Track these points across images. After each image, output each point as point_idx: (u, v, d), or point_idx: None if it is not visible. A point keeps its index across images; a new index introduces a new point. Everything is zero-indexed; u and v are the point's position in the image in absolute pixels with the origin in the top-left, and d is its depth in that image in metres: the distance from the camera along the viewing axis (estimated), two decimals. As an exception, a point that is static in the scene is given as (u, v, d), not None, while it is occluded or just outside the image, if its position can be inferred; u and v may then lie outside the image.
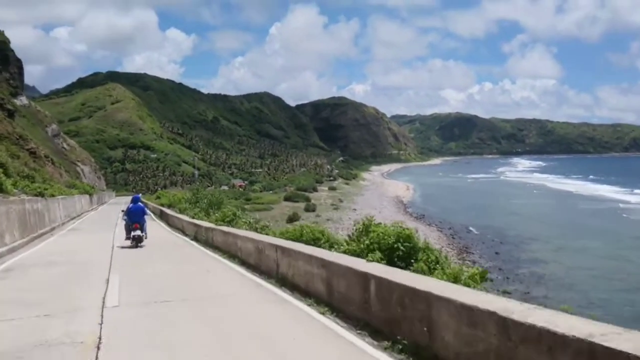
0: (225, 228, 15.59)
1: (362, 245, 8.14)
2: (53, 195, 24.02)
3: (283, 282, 9.67)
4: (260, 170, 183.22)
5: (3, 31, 65.69)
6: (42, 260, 13.81)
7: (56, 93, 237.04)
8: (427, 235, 63.01)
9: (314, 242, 10.43)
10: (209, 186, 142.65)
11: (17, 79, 64.57)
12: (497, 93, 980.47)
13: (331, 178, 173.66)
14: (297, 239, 11.00)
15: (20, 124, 47.71)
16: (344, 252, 8.57)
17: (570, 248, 44.58)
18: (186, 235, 21.65)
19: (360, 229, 9.41)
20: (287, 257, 9.64)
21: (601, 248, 43.54)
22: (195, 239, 19.57)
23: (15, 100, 59.08)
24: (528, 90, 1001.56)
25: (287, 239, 11.35)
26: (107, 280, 10.37)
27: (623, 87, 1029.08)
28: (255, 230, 14.75)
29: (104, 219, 30.70)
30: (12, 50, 65.74)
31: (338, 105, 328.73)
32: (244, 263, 12.68)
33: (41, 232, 20.03)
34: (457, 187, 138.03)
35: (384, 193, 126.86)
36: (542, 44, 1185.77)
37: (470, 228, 61.72)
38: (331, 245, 10.03)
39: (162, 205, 34.94)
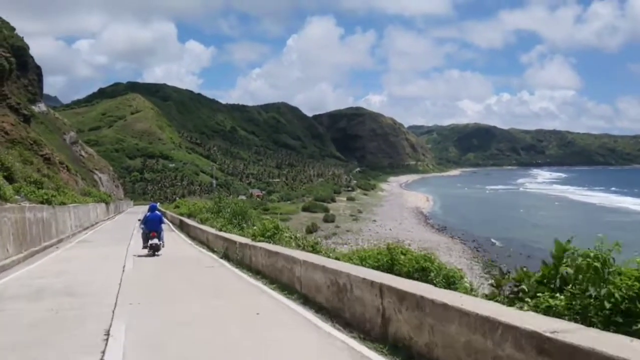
0: (270, 246, 11.82)
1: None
2: (64, 203, 21.97)
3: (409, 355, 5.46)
4: (278, 180, 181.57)
5: (22, 37, 64.93)
6: (29, 286, 10.80)
7: (77, 103, 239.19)
8: (450, 248, 60.77)
9: (419, 274, 6.89)
10: (227, 196, 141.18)
11: (36, 85, 63.44)
12: (514, 104, 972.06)
13: (349, 188, 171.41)
14: (387, 267, 7.28)
15: (36, 130, 46.34)
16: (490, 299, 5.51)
17: (599, 262, 42.67)
18: (213, 251, 18.22)
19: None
20: (414, 309, 5.41)
21: (639, 263, 41.14)
22: (226, 257, 16.03)
23: (33, 107, 58.04)
24: (547, 101, 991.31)
25: (371, 267, 7.46)
26: (107, 335, 6.70)
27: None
28: (303, 248, 11.20)
29: (119, 229, 28.73)
30: (32, 57, 64.72)
31: (355, 115, 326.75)
32: (307, 300, 8.63)
33: (45, 245, 17.58)
34: (477, 198, 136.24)
35: (403, 204, 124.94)
36: (560, 55, 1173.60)
37: (494, 240, 60.02)
38: (449, 280, 6.70)
39: (182, 214, 32.51)
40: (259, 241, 12.99)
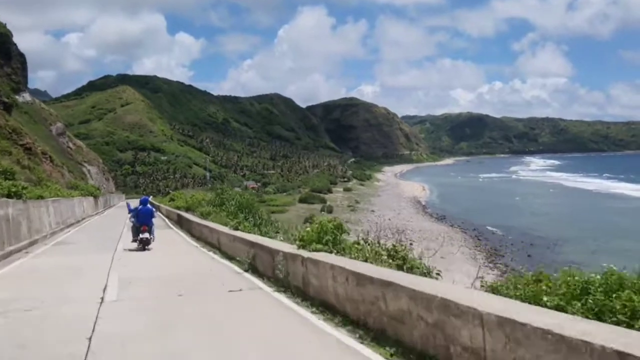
0: (357, 266, 6.65)
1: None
2: (42, 197, 18.91)
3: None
4: (273, 171, 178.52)
5: (5, 24, 61.00)
6: None
7: (67, 96, 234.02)
8: (452, 237, 58.66)
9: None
10: (225, 186, 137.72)
11: (20, 74, 59.73)
12: (507, 92, 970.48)
13: (345, 179, 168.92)
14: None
15: (18, 120, 43.08)
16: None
17: (607, 250, 41.36)
18: (229, 258, 13.73)
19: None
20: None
21: (640, 248, 41.56)
22: (254, 270, 11.24)
23: (16, 97, 54.65)
24: (539, 89, 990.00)
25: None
26: None
27: (636, 84, 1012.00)
28: (373, 260, 6.88)
29: (106, 227, 24.87)
30: (15, 44, 60.97)
31: (349, 106, 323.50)
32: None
33: (10, 250, 13.93)
34: (473, 186, 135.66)
35: (400, 194, 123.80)
36: (552, 42, 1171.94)
37: (494, 229, 58.82)
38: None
39: (179, 208, 28.62)
40: (315, 250, 8.12)
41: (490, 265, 42.81)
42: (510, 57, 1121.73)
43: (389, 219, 75.08)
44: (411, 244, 54.45)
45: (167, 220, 29.84)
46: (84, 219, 28.58)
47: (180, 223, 24.64)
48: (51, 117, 62.43)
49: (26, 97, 59.08)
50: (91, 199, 34.85)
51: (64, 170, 40.37)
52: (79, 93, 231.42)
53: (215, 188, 27.07)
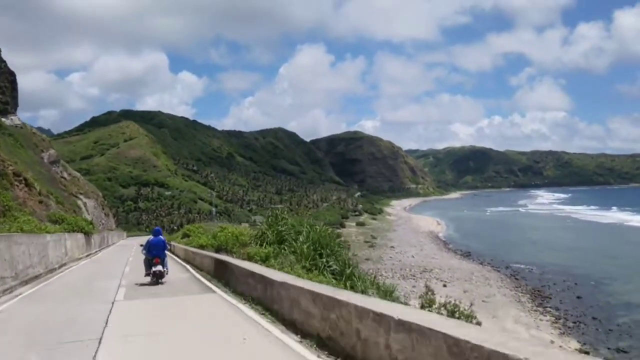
0: None
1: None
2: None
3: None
4: (281, 206, 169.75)
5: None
6: None
7: (69, 132, 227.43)
8: (486, 277, 51.29)
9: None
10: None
11: (9, 94, 52.19)
12: (506, 126, 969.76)
13: (356, 213, 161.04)
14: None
15: (2, 143, 35.07)
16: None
17: (661, 287, 38.34)
18: None
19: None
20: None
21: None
22: None
23: (3, 119, 46.84)
24: (538, 123, 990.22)
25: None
26: None
27: (635, 117, 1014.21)
28: None
29: (90, 286, 14.83)
30: (4, 61, 53.49)
31: (353, 139, 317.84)
32: None
33: None
34: (488, 220, 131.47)
35: (416, 228, 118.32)
36: (550, 77, 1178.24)
37: (527, 266, 54.33)
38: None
39: (202, 247, 20.72)
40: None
41: (540, 309, 38.27)
42: (509, 92, 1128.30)
43: (412, 256, 68.80)
44: (445, 285, 45.74)
45: (188, 267, 20.40)
46: (63, 265, 19.61)
47: (221, 275, 14.59)
48: (43, 143, 54.44)
49: (14, 120, 51.30)
50: (80, 236, 26.25)
51: (50, 200, 31.93)
52: (81, 129, 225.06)
53: (266, 215, 18.15)
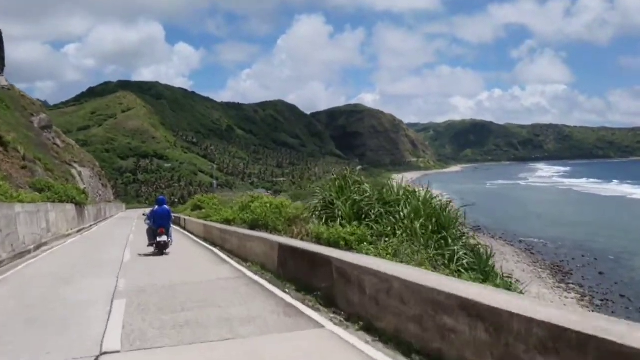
0: None
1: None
2: None
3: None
4: (284, 179, 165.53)
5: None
6: None
7: (65, 103, 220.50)
8: (501, 251, 47.85)
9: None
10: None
11: (-8, 52, 46.89)
12: (507, 99, 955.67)
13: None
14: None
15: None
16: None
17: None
18: None
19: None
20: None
21: None
22: None
23: (-14, 79, 41.77)
24: (538, 96, 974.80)
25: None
26: None
27: (635, 90, 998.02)
28: None
29: (71, 287, 9.27)
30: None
31: (354, 112, 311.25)
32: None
33: None
34: (491, 194, 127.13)
35: None
36: (551, 49, 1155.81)
37: (540, 240, 52.23)
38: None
39: (229, 222, 16.28)
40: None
41: (562, 285, 34.23)
42: (509, 64, 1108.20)
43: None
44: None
45: (218, 251, 15.03)
46: (42, 245, 15.08)
47: (304, 277, 7.82)
48: (33, 107, 49.19)
49: (1, 80, 45.98)
50: (70, 207, 21.55)
51: (36, 167, 27.15)
52: (78, 99, 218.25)
53: (328, 180, 12.58)
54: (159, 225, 14.75)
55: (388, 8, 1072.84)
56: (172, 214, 18.21)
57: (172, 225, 16.00)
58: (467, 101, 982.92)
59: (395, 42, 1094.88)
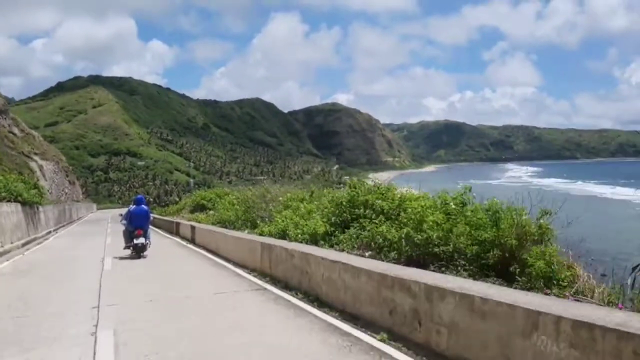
0: None
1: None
2: None
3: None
4: (263, 177, 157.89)
5: None
6: None
7: (32, 98, 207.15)
8: None
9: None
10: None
11: None
12: (478, 101, 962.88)
13: (341, 185, 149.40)
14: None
15: None
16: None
17: None
18: None
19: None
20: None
21: None
22: None
23: None
24: (508, 98, 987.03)
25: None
26: None
27: (600, 94, 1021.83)
28: None
29: None
30: None
31: (331, 111, 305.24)
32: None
33: None
34: (477, 193, 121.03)
35: None
36: (522, 52, 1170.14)
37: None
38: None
39: (316, 238, 9.62)
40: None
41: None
42: (481, 66, 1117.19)
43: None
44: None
45: (272, 288, 8.80)
46: None
47: None
48: (-15, 89, 40.89)
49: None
50: (11, 208, 14.28)
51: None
52: (46, 94, 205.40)
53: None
54: (136, 227, 13.67)
55: (363, 8, 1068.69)
56: (152, 215, 16.37)
57: (150, 227, 14.76)
58: (439, 102, 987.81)
59: (370, 42, 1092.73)
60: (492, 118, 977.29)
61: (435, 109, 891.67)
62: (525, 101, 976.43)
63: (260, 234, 12.49)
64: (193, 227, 17.79)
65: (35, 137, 48.40)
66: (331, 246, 9.06)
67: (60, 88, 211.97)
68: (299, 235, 10.22)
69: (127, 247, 13.93)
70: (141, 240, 13.56)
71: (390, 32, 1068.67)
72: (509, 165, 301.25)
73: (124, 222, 14.21)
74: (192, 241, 17.78)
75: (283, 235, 11.29)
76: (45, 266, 12.68)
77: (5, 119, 39.14)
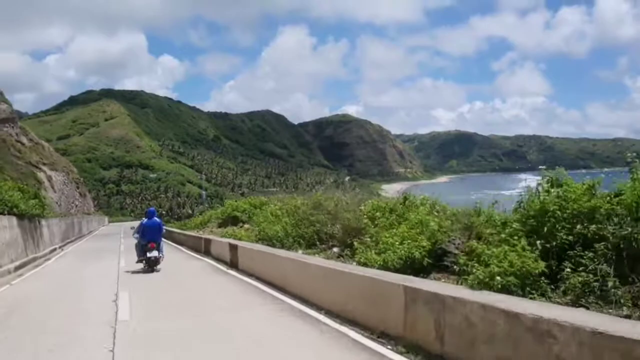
0: None
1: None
2: None
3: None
4: (275, 189, 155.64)
5: None
6: None
7: (45, 112, 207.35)
8: None
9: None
10: (219, 208, 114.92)
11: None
12: (487, 111, 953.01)
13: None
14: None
15: None
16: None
17: None
18: None
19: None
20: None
21: None
22: None
23: None
24: (518, 108, 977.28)
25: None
26: None
27: (611, 104, 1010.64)
28: None
29: None
30: None
31: (342, 122, 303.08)
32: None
33: None
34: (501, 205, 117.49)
35: None
36: (531, 61, 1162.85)
37: None
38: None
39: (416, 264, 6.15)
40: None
41: None
42: (490, 77, 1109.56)
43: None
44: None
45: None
46: None
47: None
48: (-8, 97, 38.77)
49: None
50: (3, 222, 11.64)
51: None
52: (59, 108, 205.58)
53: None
54: (148, 240, 13.45)
55: (370, 20, 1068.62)
56: (165, 227, 15.77)
57: (170, 243, 15.15)
58: (448, 113, 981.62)
59: (378, 54, 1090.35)
60: (503, 128, 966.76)
61: (445, 120, 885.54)
62: (536, 111, 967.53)
63: (362, 263, 8.05)
64: (234, 247, 13.66)
65: (45, 148, 46.29)
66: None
67: (73, 102, 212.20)
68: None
69: (139, 261, 13.65)
70: (154, 253, 13.28)
71: (397, 44, 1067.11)
72: (523, 175, 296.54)
73: (137, 235, 13.95)
74: (233, 265, 13.61)
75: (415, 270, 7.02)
76: (32, 309, 9.15)
77: (12, 127, 36.93)
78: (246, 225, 18.10)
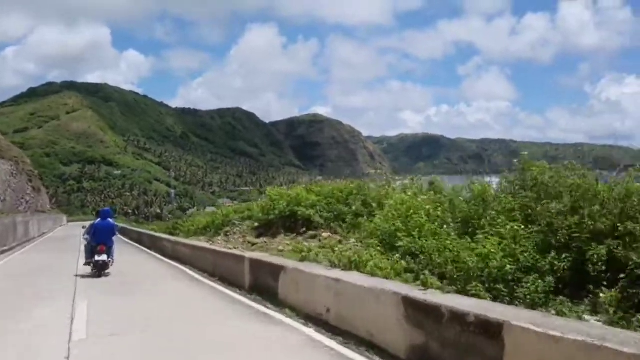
0: None
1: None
2: None
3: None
4: (248, 188, 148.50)
5: None
6: None
7: (1, 104, 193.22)
8: None
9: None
10: (189, 207, 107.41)
11: None
12: (453, 115, 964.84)
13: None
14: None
15: None
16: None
17: None
18: None
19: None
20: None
21: None
22: None
23: None
24: (483, 112, 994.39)
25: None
26: None
27: (573, 109, 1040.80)
28: None
29: None
30: None
31: (314, 122, 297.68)
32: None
33: None
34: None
35: None
36: (496, 66, 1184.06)
37: None
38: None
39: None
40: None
41: None
42: (457, 80, 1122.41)
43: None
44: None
45: None
46: None
47: None
48: None
49: None
50: None
51: None
52: (16, 100, 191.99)
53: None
54: (98, 242, 12.49)
55: (340, 21, 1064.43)
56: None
57: (115, 243, 13.49)
58: (416, 116, 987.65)
59: (347, 55, 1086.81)
60: (469, 132, 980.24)
61: (412, 122, 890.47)
62: (501, 115, 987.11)
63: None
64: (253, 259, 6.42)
65: (-12, 132, 38.48)
66: None
67: (32, 94, 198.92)
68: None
69: (87, 264, 12.81)
70: (103, 257, 12.36)
71: (367, 46, 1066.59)
72: (487, 178, 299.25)
73: (87, 236, 13.14)
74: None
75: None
76: None
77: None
78: (325, 234, 9.66)
